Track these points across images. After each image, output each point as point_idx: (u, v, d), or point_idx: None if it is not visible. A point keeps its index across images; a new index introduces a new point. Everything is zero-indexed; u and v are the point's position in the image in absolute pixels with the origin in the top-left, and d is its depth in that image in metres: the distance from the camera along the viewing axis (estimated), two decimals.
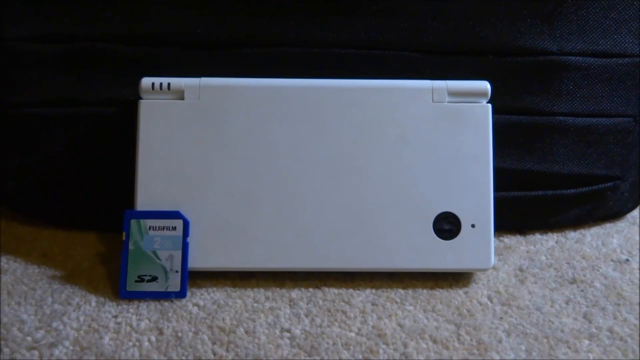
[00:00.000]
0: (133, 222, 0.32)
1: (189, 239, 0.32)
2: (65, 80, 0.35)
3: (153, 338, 0.29)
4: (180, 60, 0.35)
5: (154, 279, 0.31)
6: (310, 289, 0.33)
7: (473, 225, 0.33)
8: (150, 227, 0.32)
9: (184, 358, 0.28)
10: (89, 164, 0.36)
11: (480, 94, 0.33)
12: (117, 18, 0.35)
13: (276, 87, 0.33)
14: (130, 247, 0.31)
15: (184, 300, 0.32)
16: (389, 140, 0.33)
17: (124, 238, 0.31)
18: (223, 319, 0.30)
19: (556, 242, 0.39)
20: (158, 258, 0.31)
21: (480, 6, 0.35)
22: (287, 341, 0.29)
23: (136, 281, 0.31)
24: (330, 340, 0.29)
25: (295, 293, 0.33)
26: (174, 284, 0.31)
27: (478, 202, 0.33)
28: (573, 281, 0.34)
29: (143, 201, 0.32)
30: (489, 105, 0.34)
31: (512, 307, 0.32)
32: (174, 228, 0.32)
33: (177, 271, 0.31)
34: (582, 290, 0.33)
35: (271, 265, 0.33)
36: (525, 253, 0.37)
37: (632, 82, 0.37)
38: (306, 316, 0.31)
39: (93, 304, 0.31)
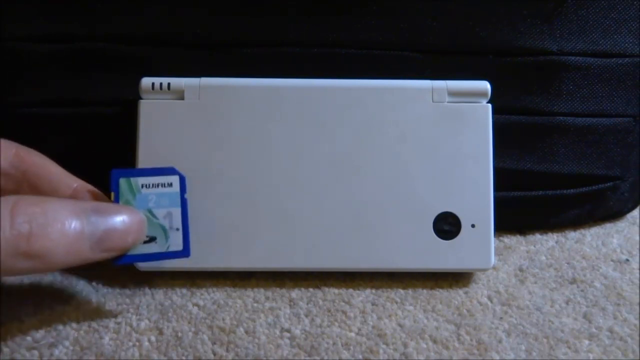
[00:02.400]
0: (122, 181, 0.29)
1: (187, 196, 0.30)
2: (65, 80, 0.35)
3: (153, 338, 0.29)
4: (180, 60, 0.35)
5: (152, 239, 0.29)
6: (310, 289, 0.33)
7: (473, 225, 0.33)
8: (142, 185, 0.29)
9: (184, 358, 0.28)
10: (89, 164, 0.36)
11: (480, 94, 0.33)
12: (117, 18, 0.35)
13: (276, 87, 0.33)
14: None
15: (184, 300, 0.32)
16: (389, 140, 0.33)
17: (112, 199, 0.29)
18: (223, 319, 0.30)
19: (556, 242, 0.39)
20: (154, 217, 0.29)
21: (480, 6, 0.35)
22: (287, 341, 0.29)
23: None
24: (330, 340, 0.29)
25: (295, 293, 0.33)
26: (176, 243, 0.29)
27: (478, 202, 0.33)
28: (573, 281, 0.34)
29: None
30: (489, 105, 0.34)
31: (512, 307, 0.32)
32: (170, 184, 0.30)
33: (177, 229, 0.29)
34: (582, 290, 0.33)
35: (271, 265, 0.33)
36: (525, 253, 0.37)
37: (632, 82, 0.37)
38: (306, 316, 0.31)
39: (93, 304, 0.31)
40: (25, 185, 0.29)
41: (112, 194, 0.29)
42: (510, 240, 0.39)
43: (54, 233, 0.24)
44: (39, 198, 0.25)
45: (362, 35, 0.35)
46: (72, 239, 0.25)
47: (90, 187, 0.30)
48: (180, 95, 0.33)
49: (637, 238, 0.39)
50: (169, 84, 0.33)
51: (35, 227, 0.24)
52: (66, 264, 0.26)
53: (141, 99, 0.33)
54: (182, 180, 0.30)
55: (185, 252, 0.29)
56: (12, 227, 0.23)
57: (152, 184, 0.29)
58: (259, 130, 0.33)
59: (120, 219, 0.27)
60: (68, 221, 0.25)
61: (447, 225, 0.33)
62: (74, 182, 0.30)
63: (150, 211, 0.29)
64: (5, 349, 0.28)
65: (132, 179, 0.29)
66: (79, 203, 0.27)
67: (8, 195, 0.28)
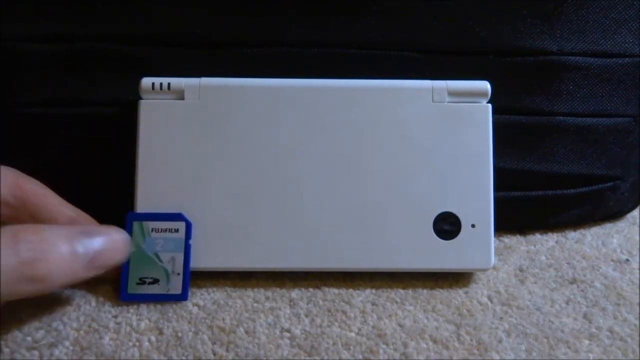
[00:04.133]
0: (135, 224, 0.31)
1: (191, 241, 0.32)
2: (65, 80, 0.35)
3: (153, 338, 0.29)
4: (180, 60, 0.35)
5: (155, 281, 0.31)
6: (310, 289, 0.33)
7: (473, 225, 0.33)
8: (152, 229, 0.31)
9: (184, 358, 0.28)
10: (89, 164, 0.36)
11: (480, 94, 0.33)
12: (117, 18, 0.35)
13: (276, 87, 0.33)
14: (132, 249, 0.31)
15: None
16: (389, 140, 0.33)
17: None
18: (223, 319, 0.30)
19: (556, 242, 0.39)
20: (160, 260, 0.31)
21: (480, 6, 0.35)
22: (287, 341, 0.29)
23: (137, 284, 0.31)
24: (330, 340, 0.29)
25: (295, 293, 0.33)
26: (175, 287, 0.31)
27: (478, 202, 0.33)
28: (573, 281, 0.34)
29: (143, 201, 0.32)
30: (489, 105, 0.34)
31: (512, 307, 0.32)
32: (177, 230, 0.32)
33: (178, 273, 0.31)
34: (582, 290, 0.33)
35: (271, 265, 0.33)
36: (525, 253, 0.37)
37: (632, 82, 0.37)
38: (306, 316, 0.31)
39: (93, 304, 0.31)
40: (25, 214, 0.30)
41: None
42: (510, 240, 0.39)
43: (53, 257, 0.26)
44: (36, 226, 0.27)
45: (362, 35, 0.35)
46: (69, 261, 0.27)
47: (87, 216, 0.32)
48: (180, 95, 0.33)
49: (637, 238, 0.39)
50: (169, 84, 0.33)
51: (38, 253, 0.26)
52: (64, 284, 0.27)
53: (141, 99, 0.33)
54: (189, 227, 0.32)
55: (183, 296, 0.31)
56: (17, 255, 0.25)
57: (161, 229, 0.32)
58: (259, 130, 0.33)
59: (107, 239, 0.29)
60: (64, 245, 0.27)
61: (447, 225, 0.33)
62: (71, 212, 0.31)
63: (157, 254, 0.31)
64: (5, 349, 0.28)
65: (144, 223, 0.32)
66: (70, 228, 0.28)
67: (7, 223, 0.30)
